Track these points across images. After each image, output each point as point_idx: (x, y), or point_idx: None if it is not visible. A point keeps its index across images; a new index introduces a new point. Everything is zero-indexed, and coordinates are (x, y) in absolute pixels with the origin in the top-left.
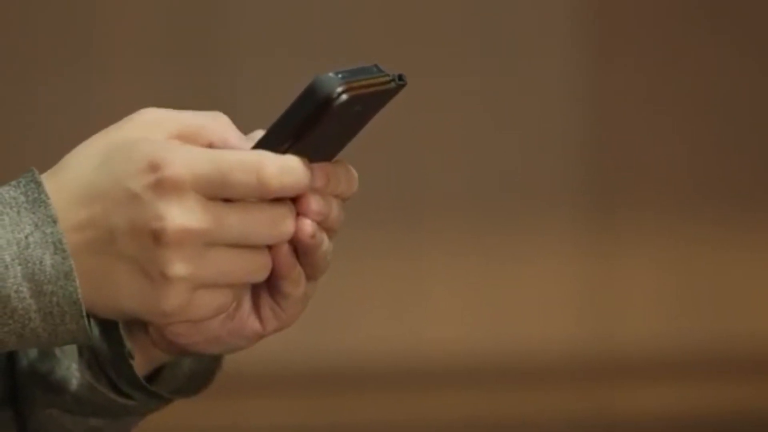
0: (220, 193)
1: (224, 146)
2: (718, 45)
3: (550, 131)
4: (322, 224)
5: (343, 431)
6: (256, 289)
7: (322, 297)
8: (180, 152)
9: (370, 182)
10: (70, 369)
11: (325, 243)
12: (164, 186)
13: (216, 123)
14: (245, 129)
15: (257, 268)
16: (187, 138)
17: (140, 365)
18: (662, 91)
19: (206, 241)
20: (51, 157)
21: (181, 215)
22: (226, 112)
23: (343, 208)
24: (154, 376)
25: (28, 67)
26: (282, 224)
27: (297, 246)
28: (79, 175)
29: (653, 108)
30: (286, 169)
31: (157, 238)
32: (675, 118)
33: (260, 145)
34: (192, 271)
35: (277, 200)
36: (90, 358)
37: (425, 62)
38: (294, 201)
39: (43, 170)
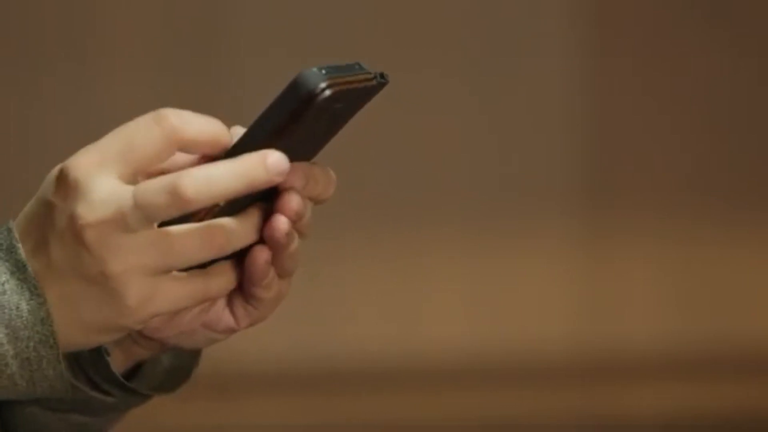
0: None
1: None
2: (717, 45)
3: (548, 131)
4: (295, 225)
5: (342, 431)
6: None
7: (321, 297)
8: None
9: (368, 182)
10: None
11: (296, 243)
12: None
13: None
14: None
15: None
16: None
17: (119, 362)
18: (661, 91)
19: (125, 230)
20: (51, 157)
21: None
22: (226, 111)
23: (312, 212)
24: (133, 372)
25: (28, 66)
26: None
27: (269, 243)
28: (25, 210)
29: (652, 108)
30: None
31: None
32: (674, 118)
33: (240, 143)
34: (129, 260)
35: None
36: (69, 355)
37: (425, 62)
38: (274, 200)
39: (43, 169)
